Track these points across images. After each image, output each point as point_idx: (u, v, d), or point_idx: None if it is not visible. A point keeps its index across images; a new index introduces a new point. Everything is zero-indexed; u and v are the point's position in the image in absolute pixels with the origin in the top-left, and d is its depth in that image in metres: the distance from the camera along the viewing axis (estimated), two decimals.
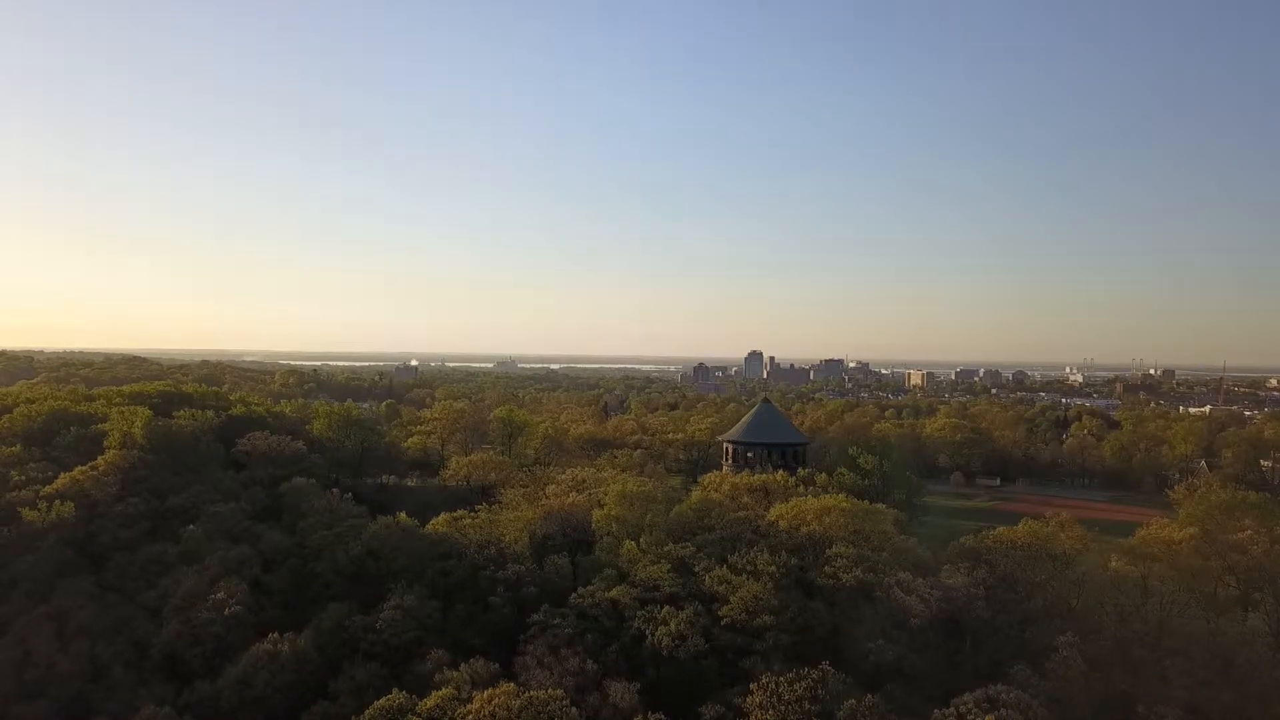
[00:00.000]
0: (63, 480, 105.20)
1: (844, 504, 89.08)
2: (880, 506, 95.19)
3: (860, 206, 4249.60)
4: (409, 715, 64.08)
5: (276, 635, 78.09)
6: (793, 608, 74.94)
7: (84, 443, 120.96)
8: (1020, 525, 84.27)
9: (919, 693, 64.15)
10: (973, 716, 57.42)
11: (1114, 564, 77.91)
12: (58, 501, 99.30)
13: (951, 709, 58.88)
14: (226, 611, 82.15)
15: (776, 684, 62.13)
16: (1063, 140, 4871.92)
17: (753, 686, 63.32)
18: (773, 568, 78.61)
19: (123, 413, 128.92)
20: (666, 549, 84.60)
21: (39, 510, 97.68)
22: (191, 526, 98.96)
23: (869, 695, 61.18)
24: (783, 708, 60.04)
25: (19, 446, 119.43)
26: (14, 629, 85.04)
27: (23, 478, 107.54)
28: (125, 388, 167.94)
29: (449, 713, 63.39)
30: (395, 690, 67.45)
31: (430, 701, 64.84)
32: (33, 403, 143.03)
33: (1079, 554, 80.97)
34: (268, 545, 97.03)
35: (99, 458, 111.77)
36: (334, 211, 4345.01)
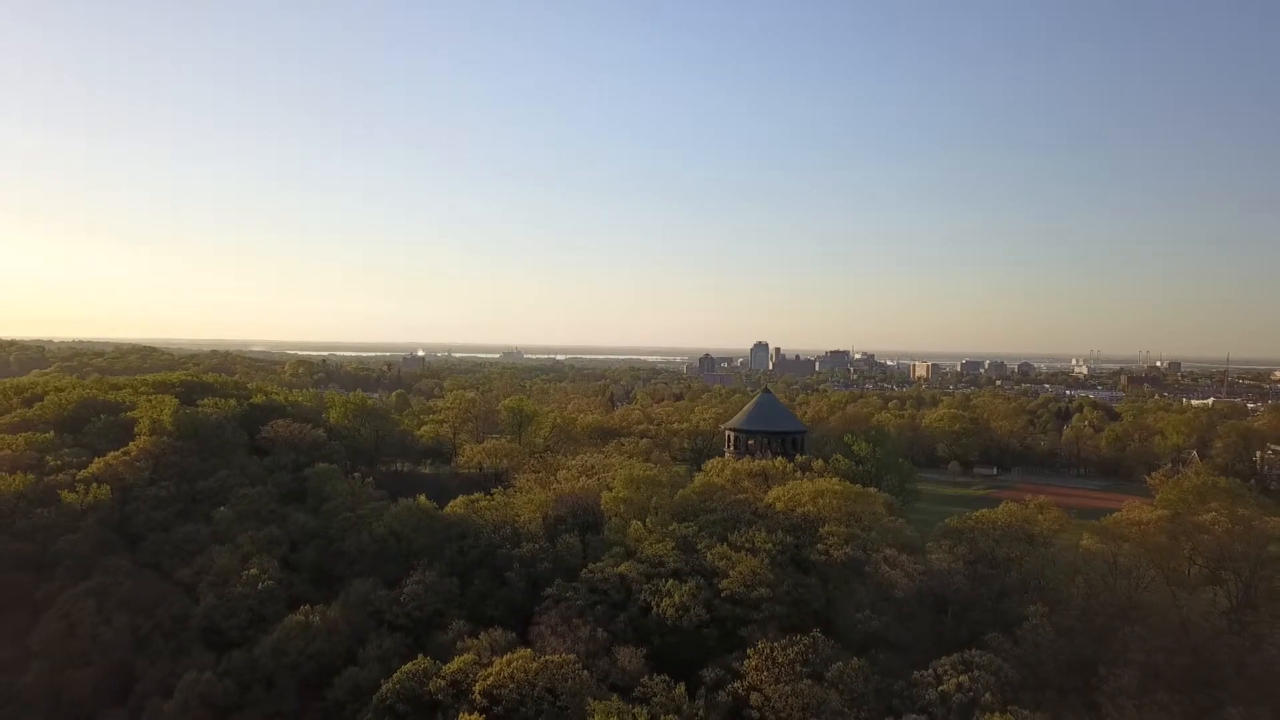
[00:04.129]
0: (97, 465, 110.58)
1: (837, 487, 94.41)
2: (871, 490, 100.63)
3: (867, 199, 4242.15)
4: (434, 679, 69.80)
5: (308, 608, 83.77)
6: (787, 582, 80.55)
7: (114, 429, 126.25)
8: (1000, 507, 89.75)
9: (903, 659, 69.68)
10: (949, 676, 63.10)
11: (1084, 542, 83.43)
12: (94, 485, 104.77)
13: (930, 670, 64.55)
14: (260, 586, 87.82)
15: (771, 649, 67.98)
16: (1071, 136, 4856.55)
17: (750, 652, 69.20)
18: (769, 545, 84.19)
19: (150, 401, 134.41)
20: (671, 528, 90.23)
21: (77, 493, 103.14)
22: (222, 509, 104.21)
23: (855, 659, 66.84)
24: (776, 670, 65.79)
25: (52, 433, 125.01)
26: (58, 603, 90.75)
27: (58, 462, 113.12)
28: (149, 377, 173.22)
29: (470, 676, 69.14)
30: (420, 656, 73.21)
31: (453, 666, 70.67)
32: (62, 391, 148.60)
33: (1056, 534, 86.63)
34: (295, 526, 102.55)
35: (130, 444, 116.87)
36: (336, 204, 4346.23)
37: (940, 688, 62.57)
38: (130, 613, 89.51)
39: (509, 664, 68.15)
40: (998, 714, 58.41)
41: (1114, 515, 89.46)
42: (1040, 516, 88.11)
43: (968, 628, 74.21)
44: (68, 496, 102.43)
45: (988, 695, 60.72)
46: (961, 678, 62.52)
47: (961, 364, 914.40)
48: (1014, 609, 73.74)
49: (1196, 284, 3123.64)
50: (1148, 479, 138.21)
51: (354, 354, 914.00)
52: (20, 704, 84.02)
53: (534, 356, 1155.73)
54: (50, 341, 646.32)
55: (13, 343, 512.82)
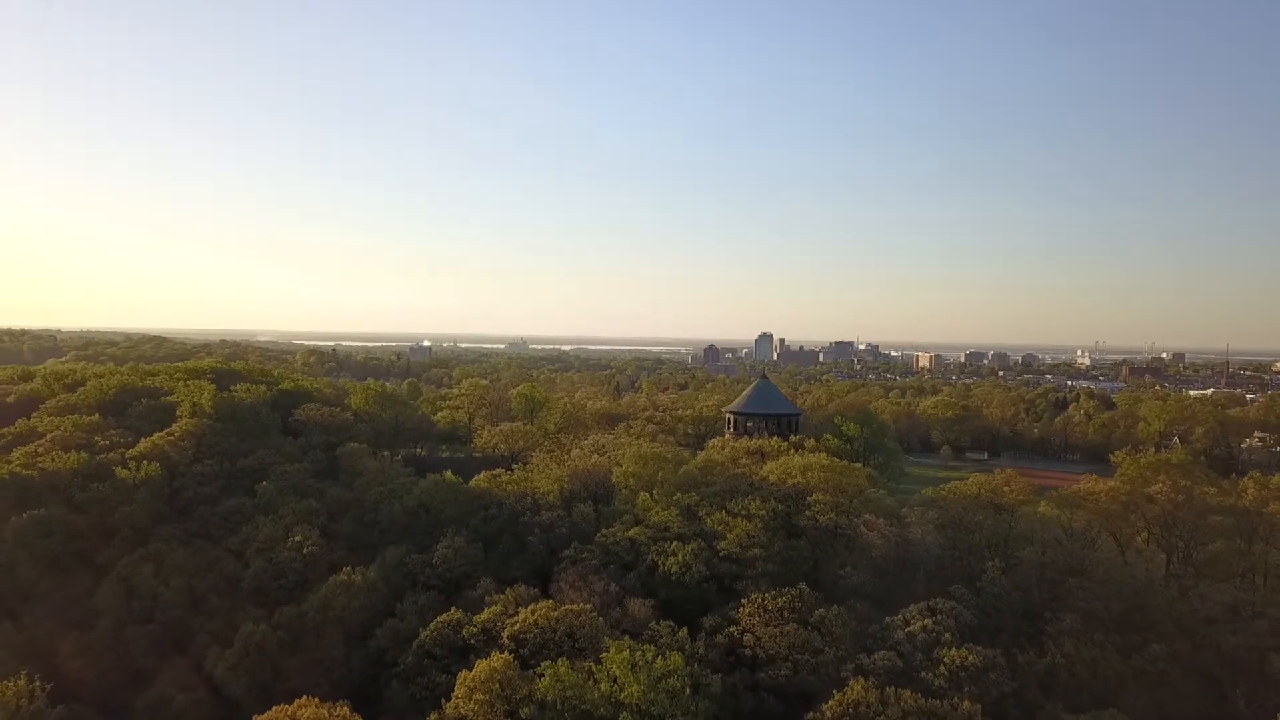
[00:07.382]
0: (145, 444, 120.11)
1: (825, 462, 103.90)
2: (856, 465, 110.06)
3: (872, 193, 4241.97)
4: (466, 627, 79.23)
5: (349, 569, 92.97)
6: (778, 544, 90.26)
7: (154, 413, 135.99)
8: (970, 479, 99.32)
9: (879, 608, 79.27)
10: (915, 620, 72.80)
11: (1042, 509, 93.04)
12: (145, 462, 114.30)
13: (900, 616, 74.23)
14: (304, 551, 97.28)
15: (763, 599, 77.75)
16: (1077, 130, 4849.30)
17: (744, 602, 78.83)
18: (763, 512, 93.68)
19: (188, 386, 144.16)
20: (675, 498, 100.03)
21: (129, 469, 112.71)
22: (264, 483, 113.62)
23: (836, 607, 76.49)
24: (767, 616, 75.48)
25: (97, 416, 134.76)
26: (118, 567, 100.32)
27: (106, 442, 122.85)
28: (182, 365, 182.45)
29: (499, 624, 78.39)
30: (453, 609, 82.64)
31: (483, 616, 80.00)
32: (102, 378, 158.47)
33: (1021, 504, 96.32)
34: (331, 499, 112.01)
35: (173, 425, 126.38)
36: (340, 196, 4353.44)
37: (908, 629, 72.24)
38: (185, 575, 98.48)
39: (533, 613, 77.30)
40: (955, 649, 68.05)
41: (1072, 487, 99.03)
42: (1006, 488, 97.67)
43: (937, 582, 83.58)
44: (121, 473, 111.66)
45: (947, 635, 70.25)
46: (926, 621, 72.20)
47: (965, 355, 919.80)
48: (977, 566, 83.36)
49: (1203, 276, 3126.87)
50: (1111, 457, 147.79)
51: (359, 344, 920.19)
52: (89, 656, 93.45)
53: (539, 347, 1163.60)
54: (60, 331, 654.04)
55: (24, 331, 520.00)
